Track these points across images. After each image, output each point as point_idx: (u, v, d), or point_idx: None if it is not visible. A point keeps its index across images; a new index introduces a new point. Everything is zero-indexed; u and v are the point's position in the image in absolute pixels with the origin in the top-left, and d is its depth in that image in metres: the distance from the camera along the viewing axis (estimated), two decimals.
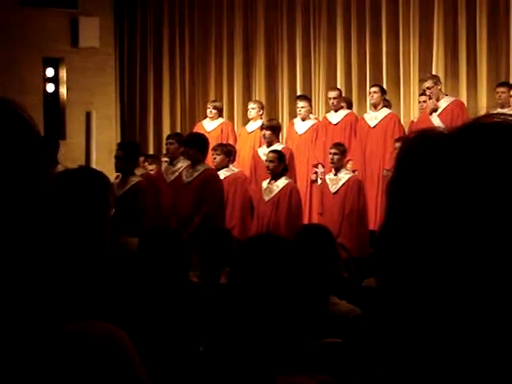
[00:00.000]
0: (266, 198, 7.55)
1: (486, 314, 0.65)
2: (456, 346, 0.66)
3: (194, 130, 9.15)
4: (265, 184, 7.64)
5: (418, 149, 0.71)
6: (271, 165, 7.45)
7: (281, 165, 7.44)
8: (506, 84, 8.09)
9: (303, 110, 8.78)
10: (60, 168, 6.37)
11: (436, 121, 7.76)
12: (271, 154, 7.58)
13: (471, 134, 0.70)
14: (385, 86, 9.18)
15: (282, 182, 7.51)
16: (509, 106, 7.80)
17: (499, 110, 7.77)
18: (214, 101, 9.75)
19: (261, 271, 1.98)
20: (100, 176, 1.95)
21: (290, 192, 7.47)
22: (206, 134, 8.14)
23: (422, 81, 8.42)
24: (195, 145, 7.19)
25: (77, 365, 0.87)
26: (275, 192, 7.51)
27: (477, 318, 0.66)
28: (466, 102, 8.63)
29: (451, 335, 0.67)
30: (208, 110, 9.42)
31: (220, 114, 9.43)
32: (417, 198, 0.69)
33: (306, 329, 2.13)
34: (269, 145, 8.23)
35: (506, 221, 0.65)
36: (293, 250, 2.05)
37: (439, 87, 8.09)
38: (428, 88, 8.06)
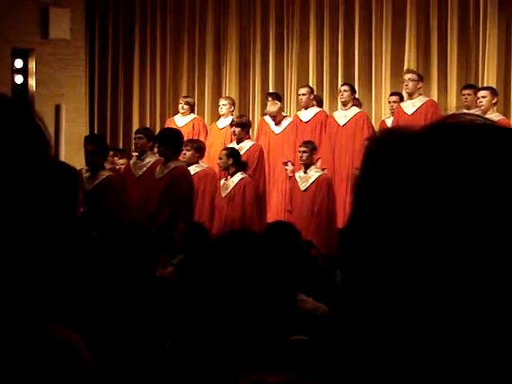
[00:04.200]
0: (223, 194, 7.62)
1: (442, 307, 0.66)
2: (419, 343, 0.67)
3: (166, 126, 9.10)
4: (222, 181, 7.70)
5: (384, 148, 0.71)
6: (220, 162, 7.57)
7: (229, 160, 7.50)
8: (471, 86, 8.23)
9: (274, 112, 8.73)
10: None
11: None
12: (221, 152, 7.69)
13: (437, 134, 0.70)
14: (357, 85, 9.24)
15: (236, 178, 7.57)
16: (474, 108, 7.93)
17: (465, 112, 7.88)
18: (185, 96, 9.72)
19: (231, 267, 1.97)
20: (70, 170, 1.92)
21: (244, 187, 7.52)
22: None
23: (408, 71, 8.49)
24: (165, 142, 7.13)
25: (37, 369, 0.87)
26: (230, 187, 7.57)
27: (435, 314, 0.66)
28: None
29: (413, 333, 0.68)
30: (180, 106, 9.40)
31: (192, 110, 9.40)
32: (381, 196, 0.69)
33: (273, 326, 2.13)
34: (239, 141, 8.24)
35: (466, 219, 0.66)
36: (264, 247, 2.05)
37: (419, 86, 8.18)
38: (410, 79, 8.15)
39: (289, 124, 8.80)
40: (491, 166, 0.67)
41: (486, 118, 0.72)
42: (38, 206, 0.90)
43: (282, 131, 8.79)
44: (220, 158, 7.62)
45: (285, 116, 8.89)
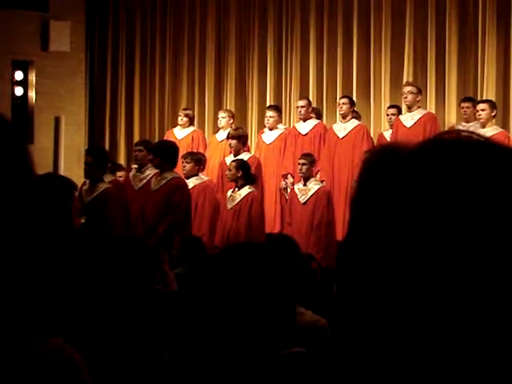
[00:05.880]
0: (229, 206, 7.60)
1: (438, 317, 0.67)
2: (417, 350, 0.68)
3: (165, 138, 9.13)
4: (229, 193, 7.68)
5: (381, 163, 0.72)
6: (229, 173, 7.55)
7: (238, 173, 7.49)
8: (470, 99, 8.26)
9: (271, 119, 8.83)
10: None
11: None
12: (230, 163, 7.67)
13: (433, 150, 0.71)
14: (355, 98, 9.27)
15: (244, 191, 7.55)
16: (473, 121, 7.95)
17: (464, 125, 7.92)
18: (185, 109, 9.75)
19: (232, 279, 1.97)
20: (66, 182, 1.92)
21: (251, 201, 7.52)
22: (177, 142, 8.12)
23: (407, 84, 8.54)
24: (160, 154, 7.14)
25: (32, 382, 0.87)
26: (237, 200, 7.56)
27: (432, 326, 0.67)
28: None
29: (412, 343, 0.68)
30: (179, 118, 9.43)
31: (191, 123, 9.43)
32: (378, 211, 0.70)
33: (272, 339, 2.13)
34: (236, 154, 8.26)
35: (462, 234, 0.67)
36: (265, 260, 2.05)
37: (418, 99, 8.23)
38: (409, 92, 8.20)
39: (280, 135, 8.83)
40: (486, 183, 0.68)
41: (480, 135, 0.73)
42: (24, 217, 0.91)
43: (273, 141, 8.83)
44: (229, 170, 7.58)
45: (277, 127, 8.92)
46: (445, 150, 0.70)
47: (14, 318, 0.90)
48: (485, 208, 0.67)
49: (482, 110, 7.83)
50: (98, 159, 7.02)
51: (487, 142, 0.71)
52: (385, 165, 0.72)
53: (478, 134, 0.73)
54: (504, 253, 0.66)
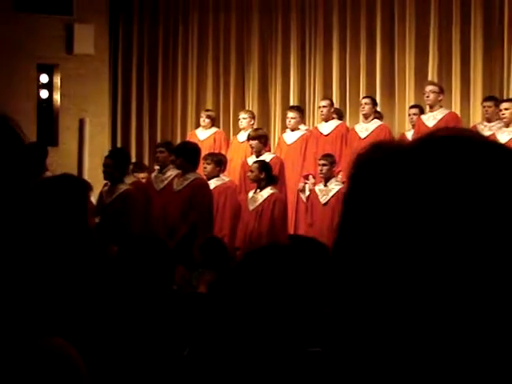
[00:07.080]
0: (251, 208, 7.58)
1: (434, 324, 0.67)
2: (414, 346, 0.68)
3: (188, 139, 9.17)
4: (251, 193, 7.67)
5: (371, 161, 0.72)
6: (251, 174, 7.54)
7: (261, 174, 7.47)
8: (492, 98, 8.16)
9: (293, 120, 8.81)
10: (48, 175, 6.37)
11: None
12: (253, 164, 7.66)
13: (426, 147, 0.71)
14: (379, 98, 9.23)
15: (266, 192, 7.54)
16: (495, 120, 7.86)
17: (486, 124, 7.84)
18: (207, 110, 9.78)
19: (261, 280, 1.98)
20: (80, 183, 1.94)
21: (274, 202, 7.50)
22: (199, 143, 8.15)
23: (429, 83, 8.48)
24: (182, 154, 7.18)
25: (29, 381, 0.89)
26: (259, 201, 7.54)
27: (426, 323, 0.67)
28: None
29: (405, 346, 0.68)
30: (201, 119, 9.46)
31: (213, 123, 9.45)
32: (368, 209, 0.70)
33: (295, 338, 2.13)
34: (257, 154, 8.25)
35: (451, 233, 0.67)
36: (293, 262, 2.05)
37: (440, 98, 8.17)
38: (431, 91, 8.13)
39: (301, 135, 8.81)
40: (473, 178, 0.68)
41: (473, 131, 0.73)
42: (27, 217, 0.93)
43: (294, 142, 8.81)
44: (251, 171, 7.57)
45: (299, 128, 8.89)
46: (438, 146, 0.70)
47: (17, 315, 0.92)
48: (472, 205, 0.67)
49: (506, 109, 7.74)
50: (117, 161, 7.07)
51: (476, 138, 0.71)
52: (375, 162, 0.72)
53: (471, 130, 0.73)
54: (487, 248, 0.66)
